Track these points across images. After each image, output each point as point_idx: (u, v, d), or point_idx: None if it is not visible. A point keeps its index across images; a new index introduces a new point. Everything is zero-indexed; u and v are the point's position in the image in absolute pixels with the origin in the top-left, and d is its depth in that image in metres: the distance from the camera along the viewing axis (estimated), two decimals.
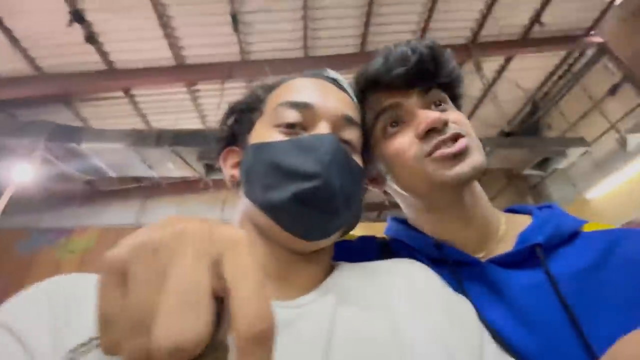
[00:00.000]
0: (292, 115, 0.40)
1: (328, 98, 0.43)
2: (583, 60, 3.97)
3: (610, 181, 3.51)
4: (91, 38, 2.86)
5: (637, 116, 3.33)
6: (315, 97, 0.42)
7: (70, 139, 2.93)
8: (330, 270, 0.41)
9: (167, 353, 0.16)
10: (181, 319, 0.16)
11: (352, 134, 0.43)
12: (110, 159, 3.19)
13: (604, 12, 3.49)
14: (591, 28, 3.64)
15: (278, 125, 0.40)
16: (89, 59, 3.09)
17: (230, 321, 0.17)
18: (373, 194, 0.61)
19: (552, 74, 4.16)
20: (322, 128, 0.40)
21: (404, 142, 0.48)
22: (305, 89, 0.43)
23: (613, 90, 3.56)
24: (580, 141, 3.55)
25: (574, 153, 3.48)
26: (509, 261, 0.44)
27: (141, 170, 3.37)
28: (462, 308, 0.39)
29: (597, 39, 3.63)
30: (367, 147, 0.52)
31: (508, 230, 0.49)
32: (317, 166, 0.36)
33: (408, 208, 0.56)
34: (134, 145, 3.05)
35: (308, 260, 0.39)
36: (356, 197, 0.42)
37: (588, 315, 0.36)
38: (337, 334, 0.31)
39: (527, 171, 3.70)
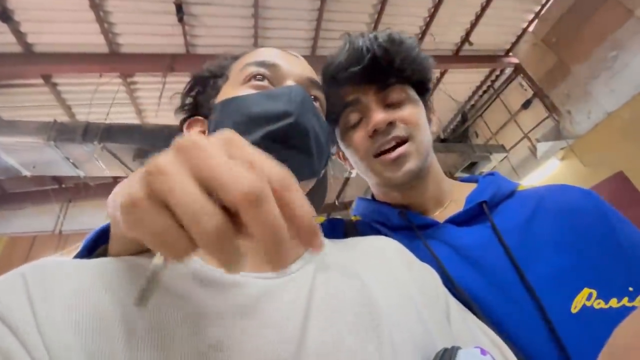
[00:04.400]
0: (261, 71, 0.42)
1: (293, 63, 0.45)
2: (502, 78, 4.55)
3: (525, 183, 4.03)
4: (4, 15, 2.46)
5: (545, 127, 3.89)
6: (281, 60, 0.44)
7: None
8: None
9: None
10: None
11: (318, 94, 0.46)
12: (24, 155, 2.75)
13: (519, 37, 4.04)
14: (509, 50, 4.18)
15: (246, 81, 0.42)
16: (1, 39, 2.66)
17: None
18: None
19: (478, 88, 4.67)
20: (289, 83, 0.42)
21: (358, 139, 0.54)
22: (271, 53, 0.45)
23: (526, 105, 4.12)
24: (501, 148, 4.05)
25: (496, 158, 3.95)
26: (461, 220, 0.52)
27: (64, 169, 2.97)
28: (427, 275, 0.42)
29: (514, 60, 4.19)
30: (333, 134, 0.59)
31: (458, 194, 0.57)
32: (288, 106, 0.37)
33: (372, 185, 0.63)
34: (55, 140, 2.68)
35: None
36: (325, 148, 0.43)
37: (526, 258, 0.44)
38: (316, 301, 0.32)
39: (458, 174, 4.10)
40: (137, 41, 3.03)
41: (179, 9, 2.77)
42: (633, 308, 0.38)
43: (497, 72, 4.54)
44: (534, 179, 3.97)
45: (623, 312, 0.38)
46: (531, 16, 3.88)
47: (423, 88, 0.59)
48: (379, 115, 0.51)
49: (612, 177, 3.03)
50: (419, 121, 0.54)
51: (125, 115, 3.63)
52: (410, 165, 0.51)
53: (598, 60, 3.20)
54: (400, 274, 0.40)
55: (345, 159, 0.64)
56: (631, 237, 0.45)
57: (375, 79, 0.53)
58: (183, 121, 0.48)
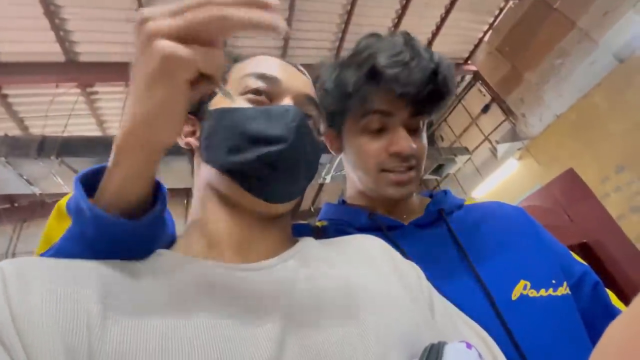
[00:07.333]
0: (259, 85, 0.41)
1: (293, 77, 0.44)
2: (463, 84, 4.80)
3: (488, 183, 4.27)
4: None
5: (503, 130, 4.15)
6: (281, 74, 0.43)
7: None
8: (293, 242, 0.43)
9: None
10: None
11: (314, 112, 0.46)
12: None
13: (476, 46, 4.30)
14: (468, 58, 4.44)
15: (244, 93, 0.41)
16: None
17: None
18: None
19: None
20: (286, 102, 0.41)
21: (375, 148, 0.56)
22: (272, 64, 0.44)
23: (485, 109, 4.38)
24: (465, 150, 4.26)
25: (461, 160, 4.15)
26: (423, 223, 0.59)
27: (17, 187, 2.77)
28: (411, 271, 0.44)
29: (472, 67, 4.45)
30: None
31: (419, 205, 0.65)
32: (283, 131, 0.37)
33: (351, 187, 0.67)
34: (6, 156, 2.50)
35: (270, 227, 0.40)
36: (314, 169, 0.44)
37: (476, 255, 0.53)
38: (298, 294, 0.33)
39: (426, 176, 4.26)
40: (96, 49, 2.90)
41: None
42: (556, 297, 0.49)
43: (458, 79, 4.80)
44: (495, 179, 4.20)
45: (550, 300, 0.48)
46: (485, 27, 4.15)
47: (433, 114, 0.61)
48: (408, 142, 0.54)
49: (563, 175, 3.28)
50: (425, 153, 0.60)
51: (85, 127, 3.45)
52: (411, 188, 0.58)
53: (547, 68, 3.47)
54: (385, 270, 0.41)
55: (333, 141, 0.63)
56: (550, 241, 0.58)
57: (418, 104, 0.53)
58: None
